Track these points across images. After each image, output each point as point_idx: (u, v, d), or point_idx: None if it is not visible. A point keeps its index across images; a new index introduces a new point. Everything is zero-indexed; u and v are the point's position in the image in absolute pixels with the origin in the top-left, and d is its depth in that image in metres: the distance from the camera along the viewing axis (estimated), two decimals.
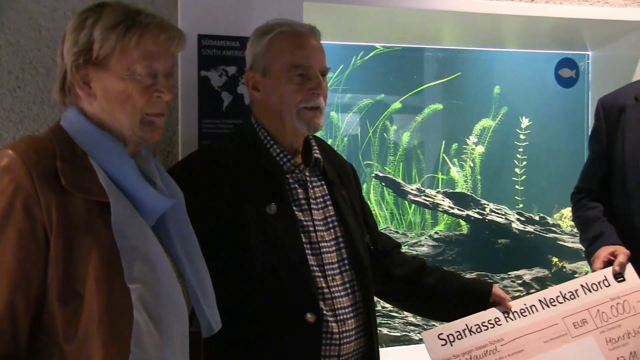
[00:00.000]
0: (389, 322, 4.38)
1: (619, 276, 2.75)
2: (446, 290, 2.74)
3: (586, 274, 3.91)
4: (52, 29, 2.79)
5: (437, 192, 5.33)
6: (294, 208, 2.44)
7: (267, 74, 2.45)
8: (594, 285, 2.72)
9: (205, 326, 2.11)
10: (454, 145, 5.43)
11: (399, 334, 4.33)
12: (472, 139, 5.42)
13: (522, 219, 5.30)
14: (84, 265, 1.80)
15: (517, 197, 5.47)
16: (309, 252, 2.41)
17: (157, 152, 2.92)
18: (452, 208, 5.23)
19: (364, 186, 5.17)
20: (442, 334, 2.58)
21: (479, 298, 2.70)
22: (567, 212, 5.31)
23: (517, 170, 5.44)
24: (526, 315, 2.65)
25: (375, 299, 2.66)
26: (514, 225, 5.21)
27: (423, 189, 5.30)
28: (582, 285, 2.73)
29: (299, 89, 2.42)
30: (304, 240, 2.41)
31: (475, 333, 2.59)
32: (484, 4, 3.62)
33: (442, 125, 5.55)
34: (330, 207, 2.53)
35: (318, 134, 2.68)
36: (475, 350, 2.56)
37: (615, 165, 2.94)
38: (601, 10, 3.86)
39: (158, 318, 1.87)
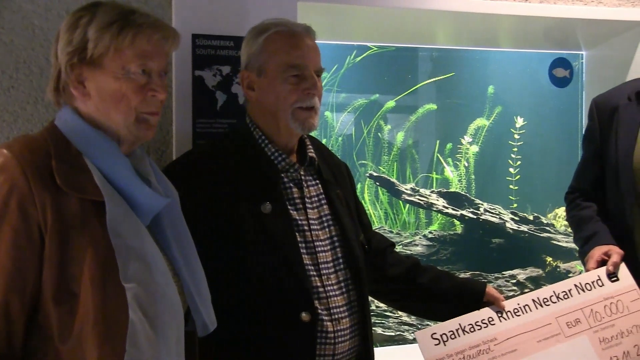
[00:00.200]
0: (383, 321, 4.38)
1: (612, 276, 2.75)
2: (440, 290, 2.74)
3: (580, 273, 3.92)
4: (46, 29, 2.79)
5: (432, 192, 5.33)
6: (289, 207, 2.44)
7: (263, 74, 2.46)
8: (587, 285, 2.73)
9: (200, 325, 2.11)
10: (449, 145, 5.42)
11: (393, 334, 4.33)
12: (467, 139, 5.42)
13: (516, 218, 5.30)
14: (79, 265, 1.80)
15: (511, 197, 5.47)
16: (304, 251, 2.41)
17: (151, 151, 2.92)
18: (447, 208, 5.23)
19: (359, 186, 5.16)
20: (435, 333, 2.58)
21: (472, 298, 2.70)
22: (561, 211, 5.31)
23: (511, 170, 5.44)
24: (520, 315, 2.65)
25: (370, 298, 2.66)
26: (508, 224, 5.21)
27: (417, 188, 5.30)
28: (575, 285, 2.73)
29: (294, 89, 2.42)
30: (299, 239, 2.42)
31: (468, 333, 2.60)
32: (478, 4, 3.62)
33: (436, 125, 5.55)
34: (325, 206, 2.53)
35: (312, 134, 2.68)
36: (468, 350, 2.56)
37: (609, 165, 2.94)
38: (595, 10, 3.87)
39: (153, 317, 1.86)
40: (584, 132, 3.19)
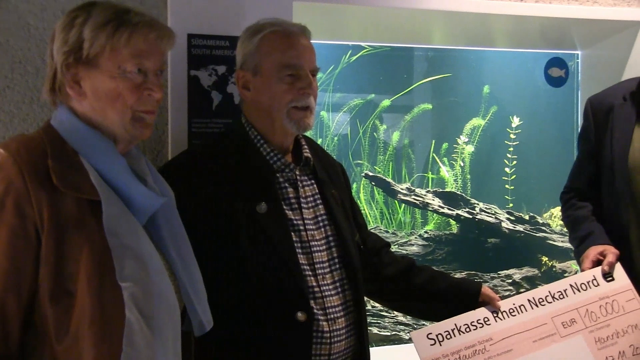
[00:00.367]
0: (379, 321, 4.39)
1: (608, 276, 2.75)
2: (435, 290, 2.75)
3: (576, 273, 3.92)
4: (41, 28, 2.79)
5: (427, 192, 5.34)
6: (284, 207, 2.44)
7: (258, 73, 2.45)
8: (583, 285, 2.73)
9: (196, 325, 2.11)
10: (444, 145, 5.43)
11: (389, 334, 4.34)
12: (463, 139, 5.43)
13: (512, 218, 5.32)
14: (76, 264, 1.80)
15: (507, 197, 5.49)
16: (300, 251, 2.41)
17: (147, 151, 2.91)
18: (442, 207, 5.24)
19: (354, 186, 5.17)
20: (431, 333, 2.59)
21: (468, 297, 2.71)
22: (557, 211, 5.33)
23: (507, 169, 5.45)
24: (515, 315, 2.65)
25: (365, 298, 2.66)
26: (503, 224, 5.22)
27: (413, 188, 5.31)
28: (571, 285, 2.73)
29: (290, 89, 2.42)
30: (294, 239, 2.41)
31: (464, 333, 2.60)
32: (474, 3, 3.62)
33: (432, 124, 5.56)
34: (320, 206, 2.53)
35: (308, 133, 2.68)
36: (464, 350, 2.56)
37: (604, 164, 2.95)
38: (590, 9, 3.87)
39: (150, 316, 1.86)
40: (579, 132, 3.19)
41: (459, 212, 5.20)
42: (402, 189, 5.24)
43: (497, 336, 2.60)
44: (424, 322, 3.99)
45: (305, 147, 2.58)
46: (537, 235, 5.25)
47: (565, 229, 3.50)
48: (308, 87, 2.43)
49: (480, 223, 5.20)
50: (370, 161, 5.31)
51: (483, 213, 5.25)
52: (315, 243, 2.45)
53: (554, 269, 5.20)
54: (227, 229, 2.36)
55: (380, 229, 5.24)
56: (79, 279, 1.79)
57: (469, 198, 5.36)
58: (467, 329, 2.61)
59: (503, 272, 5.00)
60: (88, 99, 1.93)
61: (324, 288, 2.42)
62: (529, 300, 2.69)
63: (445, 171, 5.44)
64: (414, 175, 5.45)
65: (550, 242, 5.25)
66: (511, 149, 5.44)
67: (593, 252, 2.82)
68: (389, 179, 5.25)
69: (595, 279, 2.75)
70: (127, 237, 1.87)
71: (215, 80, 2.96)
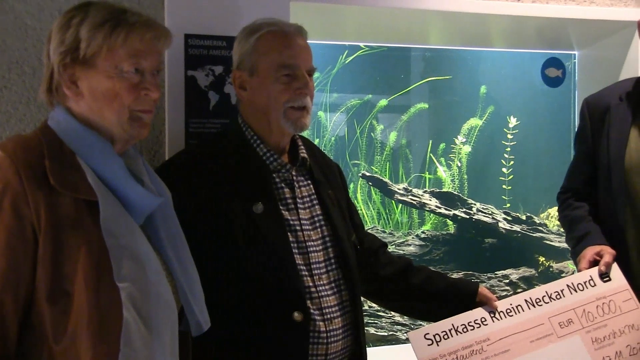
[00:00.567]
0: (376, 321, 4.39)
1: (604, 276, 2.75)
2: (432, 290, 2.75)
3: (573, 273, 3.92)
4: (38, 29, 2.79)
5: (424, 192, 5.34)
6: (281, 207, 2.44)
7: (254, 73, 2.46)
8: (579, 285, 2.73)
9: (194, 325, 2.11)
10: (442, 145, 5.43)
11: (386, 334, 4.34)
12: (460, 139, 5.43)
13: (509, 218, 5.31)
14: (73, 264, 1.80)
15: (504, 197, 5.48)
16: (296, 251, 2.42)
17: (144, 151, 2.91)
18: (439, 207, 5.24)
19: (351, 186, 5.17)
20: (428, 333, 2.59)
21: (465, 298, 2.71)
22: (554, 211, 5.32)
23: (504, 169, 5.45)
24: (512, 315, 2.65)
25: (362, 298, 2.66)
26: (501, 224, 5.22)
27: (410, 188, 5.30)
28: (568, 285, 2.73)
29: (286, 89, 2.42)
30: (290, 239, 2.42)
31: (461, 333, 2.60)
32: (471, 4, 3.62)
33: (429, 124, 5.56)
34: (317, 207, 2.53)
35: (305, 133, 2.68)
36: (461, 350, 2.56)
37: (601, 164, 2.95)
38: (587, 10, 3.88)
39: (147, 317, 1.87)
40: (575, 132, 3.19)
41: (456, 212, 5.20)
42: (399, 189, 5.24)
43: (495, 336, 2.60)
44: (421, 323, 3.98)
45: (302, 147, 2.58)
46: (534, 235, 5.25)
47: (562, 229, 3.50)
48: (304, 87, 2.44)
49: (478, 223, 5.20)
50: (368, 161, 5.31)
51: (480, 213, 5.25)
52: (312, 243, 2.46)
53: (551, 269, 5.19)
54: (224, 229, 2.36)
55: (378, 229, 5.24)
56: (76, 279, 1.80)
57: (466, 198, 5.36)
58: (465, 329, 2.61)
59: (500, 272, 5.00)
60: (85, 99, 1.93)
61: (321, 288, 2.42)
62: (526, 301, 2.69)
63: (442, 171, 5.44)
64: (411, 176, 5.45)
65: (548, 242, 5.25)
66: (508, 149, 5.44)
67: (590, 252, 2.82)
68: (386, 179, 5.25)
69: (592, 279, 2.75)
70: (125, 237, 1.87)
71: (213, 80, 2.96)
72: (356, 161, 5.27)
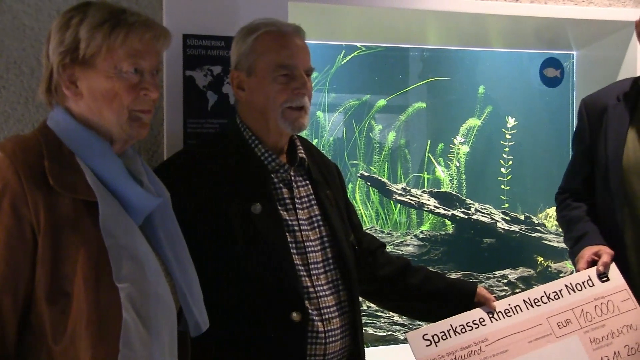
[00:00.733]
0: (374, 321, 4.39)
1: (603, 276, 2.75)
2: (431, 291, 2.75)
3: (571, 273, 3.93)
4: (36, 29, 2.78)
5: (423, 192, 5.34)
6: (279, 207, 2.44)
7: (252, 74, 2.45)
8: (578, 285, 2.73)
9: (193, 325, 2.11)
10: (440, 145, 5.44)
11: (384, 334, 4.34)
12: (458, 139, 5.43)
13: (508, 218, 5.32)
14: (72, 265, 1.80)
15: (502, 197, 5.49)
16: (294, 251, 2.41)
17: (142, 151, 2.91)
18: (438, 208, 5.24)
19: (350, 186, 5.17)
20: (426, 334, 2.59)
21: (463, 298, 2.71)
22: (552, 211, 5.33)
23: (502, 169, 5.45)
24: (510, 316, 2.65)
25: (360, 298, 2.66)
26: (499, 224, 5.22)
27: (408, 188, 5.31)
28: (566, 286, 2.73)
29: (284, 89, 2.42)
30: (289, 239, 2.41)
31: (459, 333, 2.60)
32: (469, 4, 3.62)
33: (427, 125, 5.56)
34: (315, 207, 2.53)
35: (303, 133, 2.68)
36: (459, 351, 2.56)
37: (599, 165, 2.95)
38: (586, 10, 3.88)
39: (146, 317, 1.87)
40: (573, 133, 3.19)
41: (455, 212, 5.21)
42: (397, 189, 5.25)
43: (493, 337, 2.60)
44: (419, 323, 3.99)
45: (300, 147, 2.58)
46: (532, 235, 5.26)
47: (560, 229, 3.50)
48: (302, 87, 2.43)
49: (476, 223, 5.20)
50: (366, 161, 5.31)
51: (478, 213, 5.25)
52: (310, 243, 2.45)
53: (549, 269, 5.20)
54: (223, 230, 2.36)
55: (376, 229, 5.25)
56: (75, 279, 1.80)
57: (464, 198, 5.37)
58: (463, 330, 2.61)
59: (498, 273, 5.00)
60: (84, 99, 1.93)
61: (319, 288, 2.42)
62: (524, 301, 2.69)
63: (440, 171, 5.45)
64: (409, 176, 5.45)
65: (546, 242, 5.25)
66: (507, 149, 5.45)
67: (588, 252, 2.83)
68: (385, 179, 5.25)
69: (590, 279, 2.75)
70: (124, 237, 1.87)
71: (211, 80, 2.96)
72: (354, 161, 5.27)
